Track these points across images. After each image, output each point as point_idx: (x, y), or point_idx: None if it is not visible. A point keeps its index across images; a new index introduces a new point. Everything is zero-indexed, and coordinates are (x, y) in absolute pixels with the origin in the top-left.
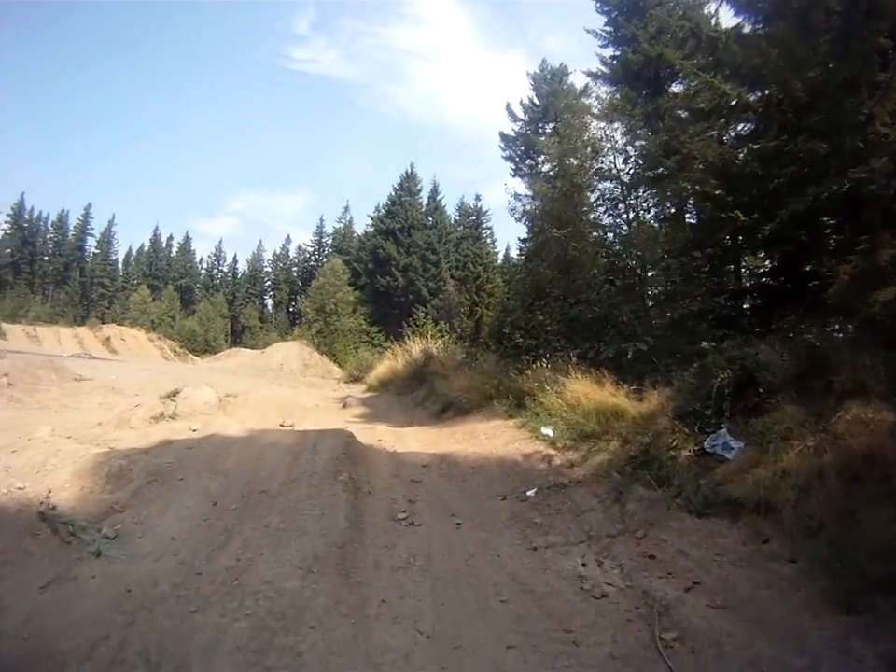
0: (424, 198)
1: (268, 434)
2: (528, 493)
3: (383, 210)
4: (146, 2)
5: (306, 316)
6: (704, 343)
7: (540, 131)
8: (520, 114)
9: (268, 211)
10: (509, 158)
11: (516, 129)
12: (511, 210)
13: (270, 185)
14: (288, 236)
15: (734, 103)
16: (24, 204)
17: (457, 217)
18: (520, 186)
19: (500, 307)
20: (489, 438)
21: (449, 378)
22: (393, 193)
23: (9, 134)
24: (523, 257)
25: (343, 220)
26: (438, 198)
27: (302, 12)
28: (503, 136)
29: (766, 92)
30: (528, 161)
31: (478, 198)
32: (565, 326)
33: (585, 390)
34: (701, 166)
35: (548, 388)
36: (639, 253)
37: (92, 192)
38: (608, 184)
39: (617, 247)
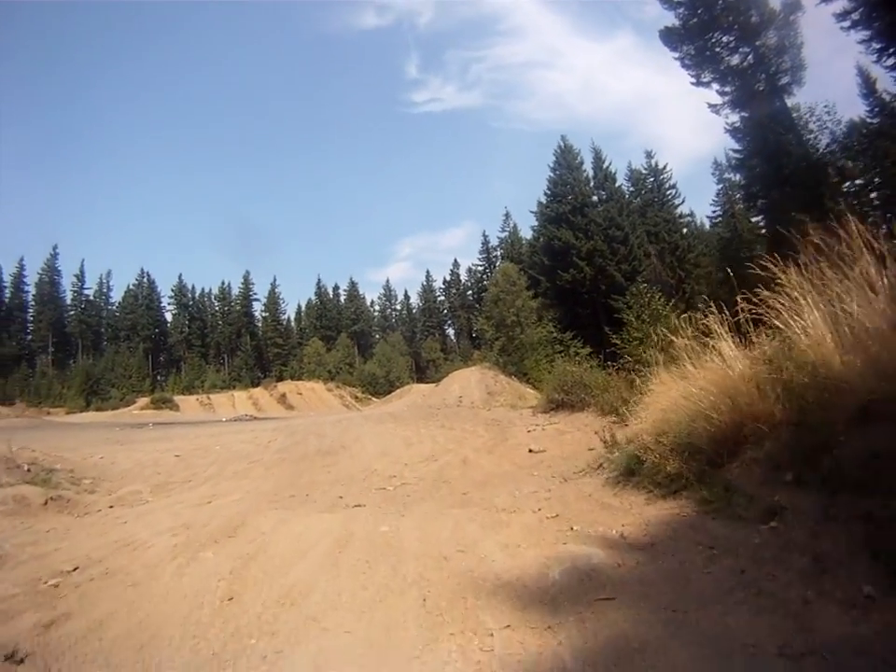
0: (588, 170)
1: None
2: None
3: (546, 196)
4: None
5: (485, 335)
6: None
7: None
8: None
9: (434, 249)
10: (682, 62)
11: (681, 14)
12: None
13: (433, 224)
14: (455, 260)
15: None
16: (185, 284)
17: (631, 189)
18: (711, 95)
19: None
20: None
21: None
22: (552, 174)
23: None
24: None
25: (507, 228)
26: (605, 166)
27: (407, 58)
28: (666, 34)
29: None
30: (711, 53)
31: (649, 155)
32: None
33: None
34: None
35: None
36: None
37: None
38: None
39: None
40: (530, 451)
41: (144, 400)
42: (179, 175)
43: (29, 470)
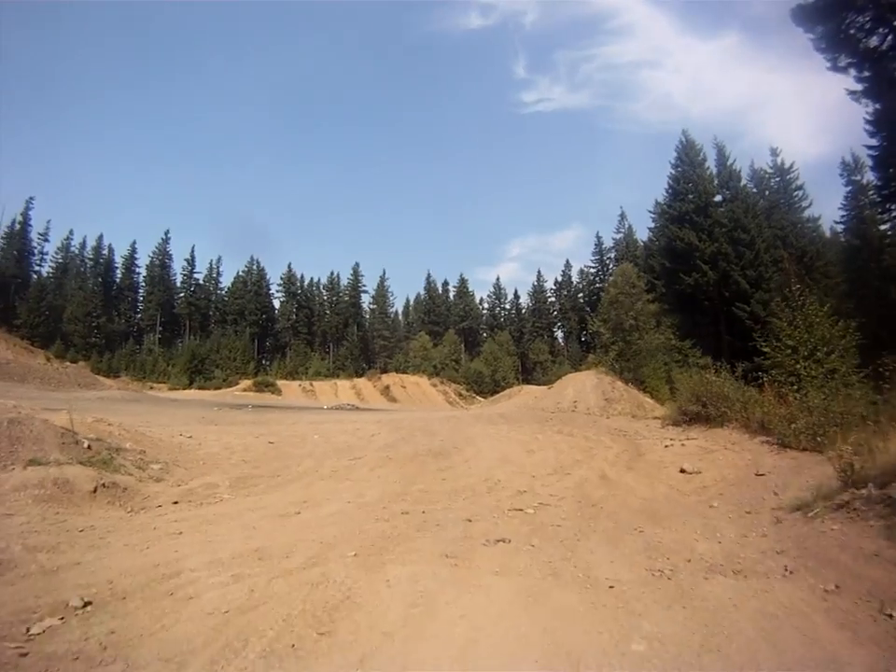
0: (711, 168)
1: None
2: None
3: (666, 194)
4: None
5: (601, 338)
6: None
7: None
8: None
9: (545, 250)
10: (817, 44)
11: None
12: None
13: (543, 226)
14: (567, 261)
15: None
16: (293, 273)
17: (754, 190)
18: (848, 81)
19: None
20: None
21: None
22: (673, 171)
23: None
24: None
25: (622, 230)
26: (728, 163)
27: (515, 57)
28: (798, 13)
29: None
30: (845, 36)
31: (775, 153)
32: None
33: None
34: None
35: None
36: None
37: (358, 253)
38: None
39: None
40: (682, 471)
41: (246, 382)
42: (292, 170)
43: (89, 447)
